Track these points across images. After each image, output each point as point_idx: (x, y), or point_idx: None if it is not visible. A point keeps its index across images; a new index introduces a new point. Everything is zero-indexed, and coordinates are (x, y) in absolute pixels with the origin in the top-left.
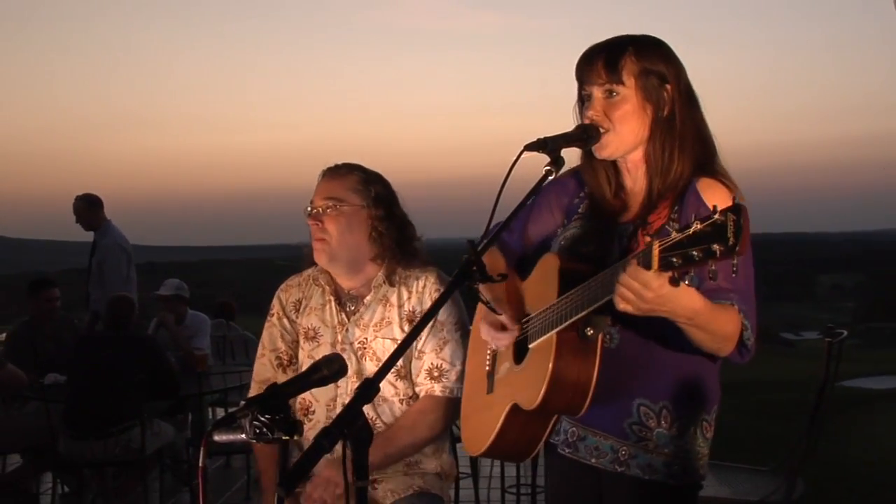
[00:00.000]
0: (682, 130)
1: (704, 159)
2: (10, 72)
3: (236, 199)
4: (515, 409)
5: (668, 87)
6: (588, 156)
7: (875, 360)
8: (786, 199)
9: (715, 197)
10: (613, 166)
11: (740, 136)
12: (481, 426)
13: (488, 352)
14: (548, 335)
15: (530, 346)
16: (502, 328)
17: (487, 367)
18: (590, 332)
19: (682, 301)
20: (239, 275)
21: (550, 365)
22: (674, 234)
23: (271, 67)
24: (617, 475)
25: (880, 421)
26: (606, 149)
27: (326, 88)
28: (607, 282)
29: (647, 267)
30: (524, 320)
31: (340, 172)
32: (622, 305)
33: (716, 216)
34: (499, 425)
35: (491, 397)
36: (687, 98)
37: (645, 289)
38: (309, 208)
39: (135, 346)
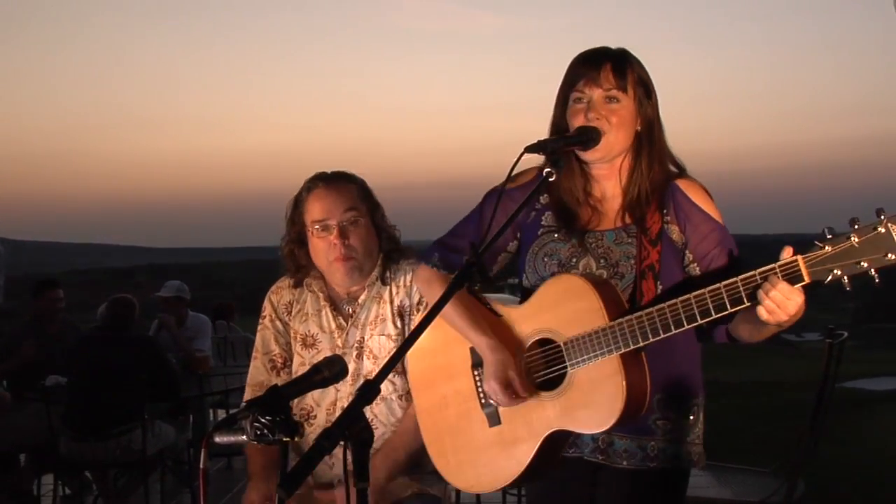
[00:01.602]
0: (658, 143)
1: (676, 171)
2: (9, 72)
3: (238, 200)
4: (553, 437)
5: (651, 102)
6: (570, 160)
7: (876, 361)
8: (786, 200)
9: (701, 198)
10: (583, 172)
11: (739, 137)
12: (496, 462)
13: (477, 383)
14: (610, 356)
15: (572, 370)
16: (513, 393)
17: (482, 399)
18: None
19: (800, 312)
20: (240, 276)
21: (624, 383)
22: (827, 249)
23: (271, 69)
24: (629, 470)
25: (881, 422)
26: (598, 152)
27: (327, 90)
28: (737, 294)
29: (797, 280)
30: (549, 347)
31: (342, 182)
32: (766, 316)
33: (879, 229)
34: (531, 456)
35: (500, 430)
36: (658, 113)
37: (791, 302)
38: (331, 225)
39: (135, 348)
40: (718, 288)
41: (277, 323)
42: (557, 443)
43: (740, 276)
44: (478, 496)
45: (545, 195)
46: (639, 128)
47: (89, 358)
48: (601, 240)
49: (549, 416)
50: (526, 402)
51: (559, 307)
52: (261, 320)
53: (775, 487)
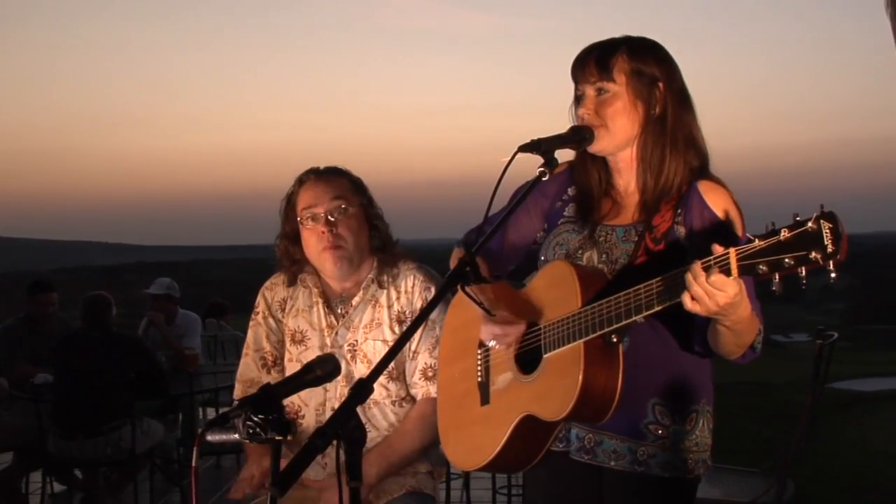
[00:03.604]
0: (673, 130)
1: (698, 164)
2: (4, 69)
3: (229, 198)
4: (526, 421)
5: (660, 85)
6: (581, 154)
7: (864, 362)
8: (775, 202)
9: (718, 200)
10: (605, 166)
11: (731, 139)
12: (477, 439)
13: (478, 362)
14: (573, 344)
15: (546, 355)
16: (507, 325)
17: (480, 378)
18: (615, 338)
19: (740, 309)
20: (230, 274)
21: (581, 374)
22: (756, 242)
23: (265, 67)
24: (627, 475)
25: (869, 423)
26: (597, 144)
27: (320, 88)
28: (668, 287)
29: (726, 274)
30: (532, 330)
31: (332, 174)
32: (691, 305)
33: (809, 224)
34: (505, 438)
35: (488, 409)
36: (680, 99)
37: (721, 293)
38: (319, 214)
39: (122, 346)
40: (661, 279)
41: (270, 320)
42: (534, 429)
43: (679, 269)
44: (468, 496)
45: (573, 187)
46: (643, 115)
47: (76, 356)
48: (611, 234)
49: (523, 400)
50: (511, 384)
51: (546, 292)
52: (253, 316)
53: (765, 488)
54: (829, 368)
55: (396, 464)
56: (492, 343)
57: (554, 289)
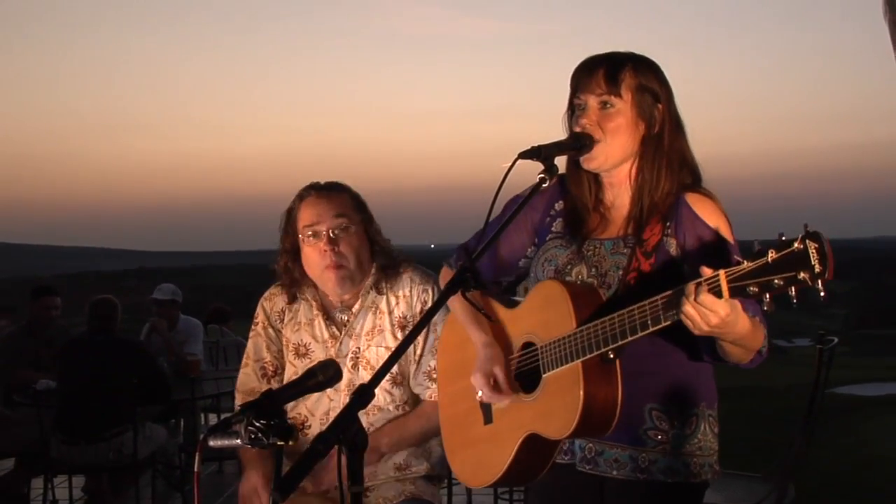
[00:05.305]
0: (669, 151)
1: (690, 181)
2: (9, 74)
3: (230, 204)
4: (531, 439)
5: (661, 106)
6: (574, 165)
7: (865, 367)
8: (777, 207)
9: (708, 212)
10: (596, 179)
11: (732, 144)
12: (484, 458)
13: None
14: (572, 363)
15: (545, 374)
16: (495, 386)
17: (481, 397)
18: (611, 355)
19: (737, 326)
20: (231, 280)
21: (582, 392)
22: (745, 264)
23: (270, 73)
24: (630, 483)
25: (870, 427)
26: (594, 160)
27: (325, 94)
28: (663, 308)
29: (717, 296)
30: (529, 350)
31: (334, 191)
32: (687, 324)
33: (795, 245)
34: (511, 457)
35: (491, 428)
36: (675, 122)
37: (712, 314)
38: (321, 231)
39: (124, 351)
40: (655, 300)
41: (270, 330)
42: (539, 446)
43: (673, 290)
44: (469, 499)
45: (560, 202)
46: (643, 133)
47: (79, 361)
48: (599, 248)
49: (526, 419)
50: (512, 403)
51: (540, 312)
52: (253, 326)
53: (766, 492)
54: (831, 373)
55: (408, 439)
56: (479, 394)
57: (547, 309)
